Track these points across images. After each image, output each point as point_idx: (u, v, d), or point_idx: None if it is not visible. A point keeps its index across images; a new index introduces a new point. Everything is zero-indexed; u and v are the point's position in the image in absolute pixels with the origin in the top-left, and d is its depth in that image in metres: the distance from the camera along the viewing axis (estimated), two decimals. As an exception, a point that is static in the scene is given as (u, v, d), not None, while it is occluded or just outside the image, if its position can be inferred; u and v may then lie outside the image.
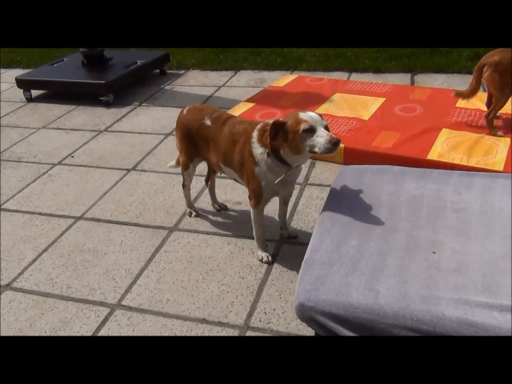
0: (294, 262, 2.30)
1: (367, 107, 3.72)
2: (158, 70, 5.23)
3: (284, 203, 2.42)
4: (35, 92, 4.87)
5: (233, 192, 2.95)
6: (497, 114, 3.16)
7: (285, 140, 1.98)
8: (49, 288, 2.30)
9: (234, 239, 2.53)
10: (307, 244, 1.76)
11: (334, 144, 1.88)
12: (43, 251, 2.56)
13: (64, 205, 2.97)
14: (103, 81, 4.47)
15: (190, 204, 2.77)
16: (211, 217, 2.75)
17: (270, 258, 2.33)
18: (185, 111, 2.47)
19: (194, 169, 2.59)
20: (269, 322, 2.01)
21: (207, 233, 2.60)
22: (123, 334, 2.00)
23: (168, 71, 5.31)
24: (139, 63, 4.87)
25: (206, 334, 1.97)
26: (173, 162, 2.75)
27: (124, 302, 2.18)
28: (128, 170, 3.33)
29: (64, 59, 5.25)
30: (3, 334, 2.05)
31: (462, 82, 4.19)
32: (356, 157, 3.02)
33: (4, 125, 4.26)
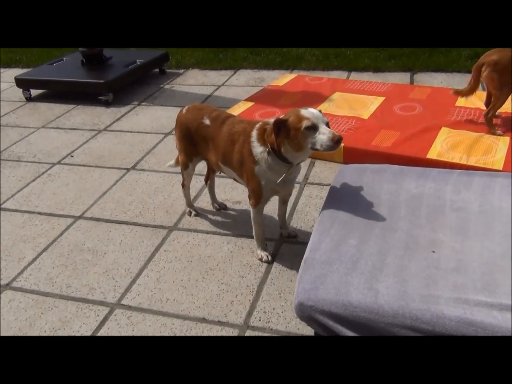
0: (293, 261, 2.30)
1: (366, 106, 3.72)
2: (157, 70, 5.23)
3: (283, 203, 2.42)
4: (34, 92, 4.87)
5: (233, 192, 2.95)
6: (496, 113, 3.16)
7: (287, 138, 1.97)
8: (48, 288, 2.30)
9: (234, 239, 2.53)
10: (307, 243, 1.76)
11: (336, 142, 1.88)
12: (42, 250, 2.56)
13: (63, 205, 2.97)
14: (102, 81, 4.47)
15: (189, 204, 2.77)
16: (210, 216, 2.75)
17: (269, 257, 2.33)
18: (184, 111, 2.47)
19: (193, 169, 2.59)
20: (268, 321, 2.01)
21: (207, 232, 2.60)
22: (122, 334, 2.00)
23: (167, 70, 5.31)
24: (138, 63, 4.87)
25: (205, 333, 1.97)
26: (173, 162, 2.75)
27: (123, 302, 2.19)
28: (128, 170, 3.33)
29: (64, 59, 5.25)
30: (3, 333, 2.05)
31: (462, 81, 4.18)
32: (355, 156, 3.01)
33: (3, 125, 4.26)
